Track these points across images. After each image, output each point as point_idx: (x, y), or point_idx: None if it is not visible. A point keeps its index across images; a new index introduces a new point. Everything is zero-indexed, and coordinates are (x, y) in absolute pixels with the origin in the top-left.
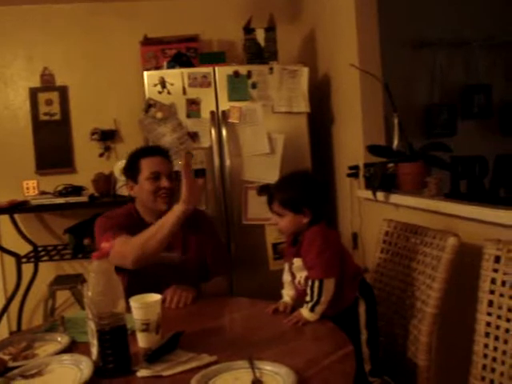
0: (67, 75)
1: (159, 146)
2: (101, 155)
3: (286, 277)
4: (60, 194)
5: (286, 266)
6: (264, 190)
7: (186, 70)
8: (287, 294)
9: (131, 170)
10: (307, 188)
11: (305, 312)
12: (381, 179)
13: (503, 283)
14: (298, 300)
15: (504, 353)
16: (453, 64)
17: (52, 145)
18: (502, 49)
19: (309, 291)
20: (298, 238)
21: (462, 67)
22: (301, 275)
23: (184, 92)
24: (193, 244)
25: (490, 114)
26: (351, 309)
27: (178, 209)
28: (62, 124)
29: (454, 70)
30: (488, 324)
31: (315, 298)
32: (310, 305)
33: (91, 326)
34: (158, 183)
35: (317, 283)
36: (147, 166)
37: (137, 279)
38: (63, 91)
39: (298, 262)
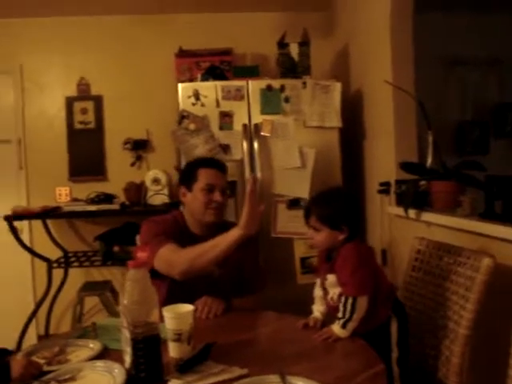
0: (102, 85)
1: (219, 160)
2: (132, 164)
3: (318, 292)
4: (92, 201)
5: (318, 281)
6: (294, 203)
7: (219, 83)
8: (317, 309)
9: (187, 178)
10: (346, 205)
11: (336, 328)
12: (413, 196)
13: None
14: (329, 316)
15: None
16: (486, 82)
17: (85, 153)
18: None
19: (341, 308)
20: (332, 254)
21: (495, 85)
22: (334, 291)
23: (217, 104)
24: (233, 259)
25: None
26: (383, 327)
27: (236, 233)
28: (95, 132)
29: (486, 87)
30: None
31: (347, 315)
32: (341, 321)
33: (125, 334)
34: (211, 196)
35: (350, 300)
36: (204, 176)
37: (175, 288)
38: (98, 100)
39: (331, 278)
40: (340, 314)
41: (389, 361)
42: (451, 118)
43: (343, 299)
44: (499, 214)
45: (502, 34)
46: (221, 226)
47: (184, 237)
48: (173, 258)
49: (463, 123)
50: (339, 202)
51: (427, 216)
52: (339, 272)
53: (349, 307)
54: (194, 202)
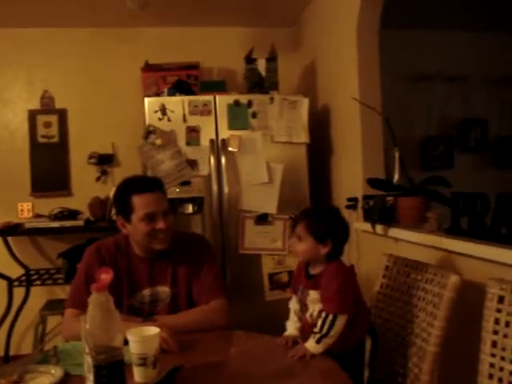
0: (67, 98)
1: (152, 177)
2: (97, 179)
3: (294, 305)
4: (55, 217)
5: (294, 297)
6: (261, 219)
7: (186, 98)
8: (293, 326)
9: (122, 207)
10: (336, 222)
11: (310, 344)
12: (380, 212)
13: (507, 324)
14: (305, 333)
15: None
16: (450, 97)
17: (49, 167)
18: (499, 84)
19: (320, 323)
20: (311, 272)
21: (459, 101)
22: (314, 308)
23: (184, 119)
24: (182, 275)
25: (485, 148)
26: (358, 348)
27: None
28: (59, 147)
29: (451, 103)
30: (491, 365)
31: (325, 330)
32: (317, 336)
33: (88, 361)
34: (153, 224)
35: (330, 317)
36: (141, 205)
37: (134, 314)
38: (62, 114)
39: (314, 294)
40: (317, 329)
41: (361, 381)
42: (416, 132)
43: (323, 315)
44: (465, 230)
45: (467, 50)
46: (176, 242)
47: (128, 259)
48: (65, 325)
49: (428, 138)
50: (330, 217)
51: (394, 232)
52: (324, 289)
53: (328, 323)
54: (136, 233)
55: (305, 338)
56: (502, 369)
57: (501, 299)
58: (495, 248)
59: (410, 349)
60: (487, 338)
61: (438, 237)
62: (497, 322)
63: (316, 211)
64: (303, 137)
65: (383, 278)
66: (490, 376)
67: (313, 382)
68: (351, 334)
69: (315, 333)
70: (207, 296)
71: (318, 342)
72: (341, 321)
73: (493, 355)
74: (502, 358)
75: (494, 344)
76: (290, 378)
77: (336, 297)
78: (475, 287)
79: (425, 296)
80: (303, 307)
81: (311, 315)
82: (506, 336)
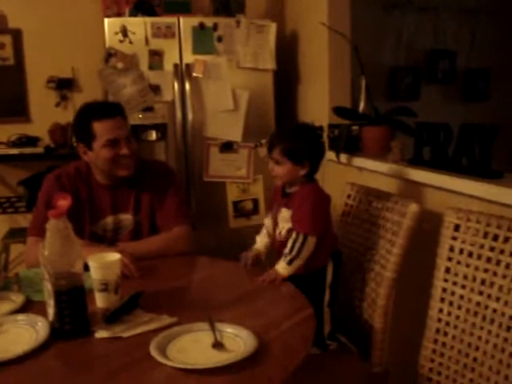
0: (21, 18)
1: (113, 102)
2: (57, 105)
3: (268, 222)
4: (14, 144)
5: (269, 214)
6: (225, 147)
7: (149, 19)
8: (262, 241)
9: (83, 135)
10: (311, 141)
11: (281, 266)
12: (345, 141)
13: (461, 251)
14: (274, 249)
15: (457, 317)
16: (421, 28)
17: (4, 92)
18: (469, 16)
19: (290, 244)
20: (287, 191)
21: (429, 31)
22: (284, 226)
23: (146, 42)
24: (145, 203)
25: (453, 80)
26: (321, 271)
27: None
28: (15, 70)
29: (421, 33)
30: (444, 290)
31: (295, 252)
32: (288, 258)
33: (48, 287)
34: (116, 150)
35: (301, 238)
36: (102, 131)
37: (97, 241)
38: (17, 35)
39: (285, 212)
40: (287, 250)
41: (321, 303)
42: (384, 62)
43: (294, 235)
44: (427, 161)
45: None
46: (140, 170)
47: (90, 187)
48: (27, 253)
49: (396, 68)
50: (304, 138)
51: (358, 161)
52: (296, 209)
53: (298, 245)
54: (98, 160)
55: (274, 255)
56: (453, 293)
57: (457, 228)
58: (455, 178)
59: (368, 274)
60: (441, 265)
61: (401, 166)
62: (452, 249)
63: (290, 133)
64: (270, 63)
65: (345, 206)
66: (442, 300)
67: (272, 305)
68: (316, 256)
69: (285, 254)
70: (170, 223)
71: (290, 263)
72: (310, 242)
73: (446, 280)
74: (454, 283)
75: (448, 270)
76: (251, 302)
77: (307, 218)
78: (435, 216)
79: (385, 224)
80: (275, 224)
81: (280, 233)
82: (459, 263)
